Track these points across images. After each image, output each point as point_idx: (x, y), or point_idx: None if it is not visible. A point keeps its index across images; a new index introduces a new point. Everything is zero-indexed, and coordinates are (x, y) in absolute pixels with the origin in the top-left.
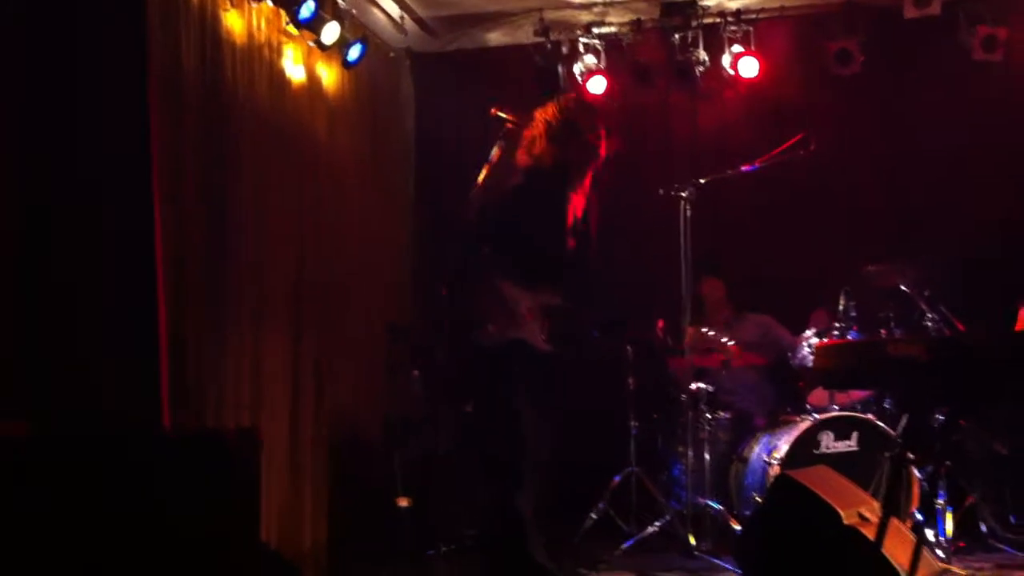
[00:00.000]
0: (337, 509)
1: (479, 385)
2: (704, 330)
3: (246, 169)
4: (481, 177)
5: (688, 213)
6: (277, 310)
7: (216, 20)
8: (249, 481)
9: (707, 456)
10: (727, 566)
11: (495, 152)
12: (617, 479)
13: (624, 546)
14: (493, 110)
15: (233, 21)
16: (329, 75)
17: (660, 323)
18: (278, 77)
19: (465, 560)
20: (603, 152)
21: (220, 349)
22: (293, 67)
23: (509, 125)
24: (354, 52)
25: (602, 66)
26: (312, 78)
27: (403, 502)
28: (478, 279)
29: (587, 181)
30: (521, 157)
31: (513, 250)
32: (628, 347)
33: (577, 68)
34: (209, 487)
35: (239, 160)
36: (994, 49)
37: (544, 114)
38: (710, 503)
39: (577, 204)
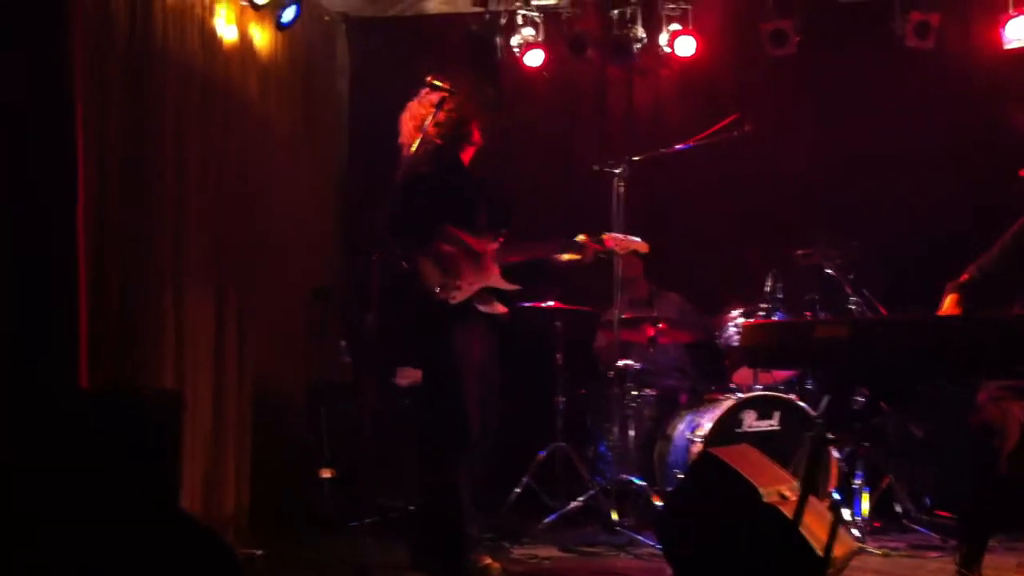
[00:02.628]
0: (261, 476)
1: (427, 353)
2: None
3: (172, 127)
4: (414, 146)
5: (621, 190)
6: (201, 273)
7: None
8: (169, 442)
9: (632, 433)
10: (648, 541)
11: (429, 120)
12: (542, 454)
13: (547, 520)
14: (428, 77)
15: None
16: (262, 36)
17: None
18: (209, 36)
19: (390, 532)
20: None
21: (142, 312)
22: (225, 26)
23: (444, 93)
24: (288, 14)
25: (540, 39)
26: (244, 38)
27: (326, 473)
28: (418, 244)
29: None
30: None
31: (451, 210)
32: (557, 323)
33: (515, 40)
34: (127, 446)
35: (166, 118)
36: (926, 36)
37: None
38: (634, 479)
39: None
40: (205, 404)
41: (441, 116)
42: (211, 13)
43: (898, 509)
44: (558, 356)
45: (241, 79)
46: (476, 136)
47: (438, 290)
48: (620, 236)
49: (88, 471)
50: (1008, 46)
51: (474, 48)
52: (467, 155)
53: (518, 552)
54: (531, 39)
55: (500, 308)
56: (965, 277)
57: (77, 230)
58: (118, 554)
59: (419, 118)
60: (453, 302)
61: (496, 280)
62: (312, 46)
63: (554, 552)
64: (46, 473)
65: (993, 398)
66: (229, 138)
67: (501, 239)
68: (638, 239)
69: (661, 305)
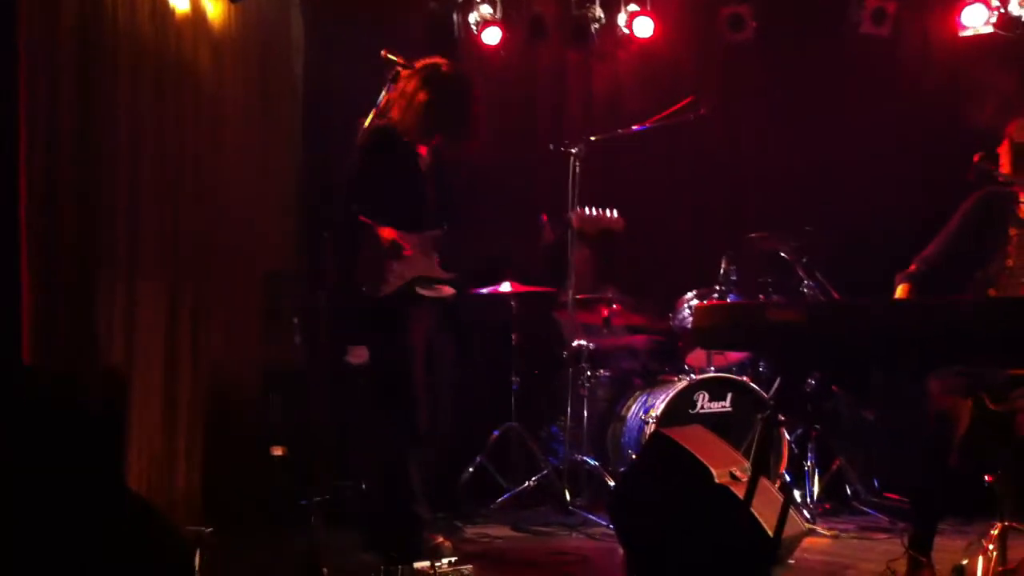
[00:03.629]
0: (213, 458)
1: (376, 337)
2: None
3: (123, 104)
4: (367, 122)
5: (577, 170)
6: (154, 256)
7: None
8: (110, 421)
9: (586, 413)
10: (601, 521)
11: (383, 97)
12: (496, 434)
13: (500, 500)
14: (384, 52)
15: None
16: (215, 8)
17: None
18: (160, 6)
19: (340, 510)
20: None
21: (92, 294)
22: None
23: (399, 68)
24: None
25: (498, 16)
26: (196, 10)
27: (277, 451)
28: (360, 229)
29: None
30: (384, 99)
31: (386, 191)
32: (512, 302)
33: (472, 17)
34: (67, 427)
35: (116, 93)
36: (883, 23)
37: (429, 72)
38: (587, 459)
39: (422, 148)
40: (155, 385)
41: (393, 93)
42: None
43: (848, 491)
44: (513, 337)
45: (193, 55)
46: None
47: (364, 288)
48: (591, 213)
49: (27, 447)
50: (964, 33)
51: (432, 26)
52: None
53: (471, 531)
54: (489, 17)
55: (446, 290)
56: (913, 268)
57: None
58: (59, 530)
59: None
60: (380, 295)
61: (433, 270)
62: (266, 20)
63: (507, 532)
64: None
65: (945, 387)
66: (185, 118)
67: (444, 228)
68: (612, 214)
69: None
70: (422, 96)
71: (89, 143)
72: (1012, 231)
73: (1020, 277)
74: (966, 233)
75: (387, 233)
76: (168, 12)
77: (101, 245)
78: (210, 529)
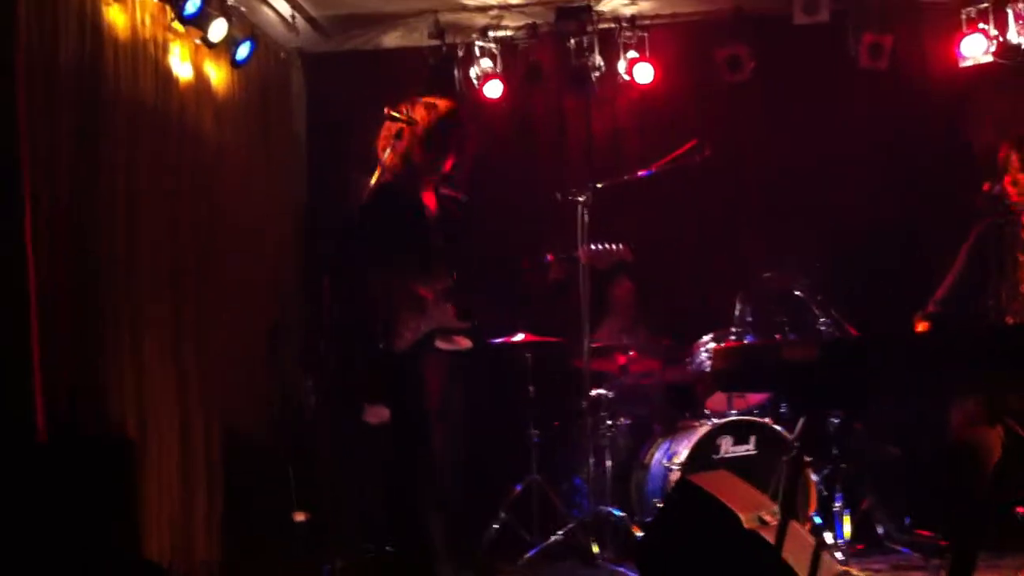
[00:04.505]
0: (232, 521)
1: (395, 395)
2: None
3: (125, 167)
4: (374, 178)
5: (586, 218)
6: (158, 313)
7: (97, 14)
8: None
9: (608, 463)
10: (629, 573)
11: (388, 155)
12: (518, 488)
13: (527, 556)
14: (386, 109)
15: (115, 16)
16: (217, 74)
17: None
18: (164, 75)
19: (364, 574)
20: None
21: (99, 360)
22: (180, 65)
23: (401, 125)
24: (243, 51)
25: (498, 70)
26: (200, 77)
27: (299, 516)
28: (367, 281)
29: (437, 177)
30: (389, 157)
31: (393, 246)
32: (528, 354)
33: (473, 72)
34: (81, 497)
35: (118, 158)
36: (880, 57)
37: (415, 114)
38: (612, 510)
39: (429, 199)
40: (171, 449)
41: (400, 149)
42: (165, 52)
43: (879, 530)
44: (530, 388)
45: (197, 119)
46: (446, 165)
47: (381, 344)
48: (599, 248)
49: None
50: (964, 64)
51: (432, 81)
52: (428, 189)
53: None
54: (489, 70)
55: (463, 342)
56: (930, 308)
57: (29, 283)
58: None
59: (381, 149)
60: (398, 351)
61: (448, 320)
62: (268, 83)
63: None
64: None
65: (968, 417)
66: (188, 180)
67: (454, 277)
68: (618, 247)
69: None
70: (420, 128)
71: (89, 203)
72: (1021, 257)
73: None
74: (973, 266)
75: (405, 286)
76: (172, 80)
77: (105, 307)
78: None
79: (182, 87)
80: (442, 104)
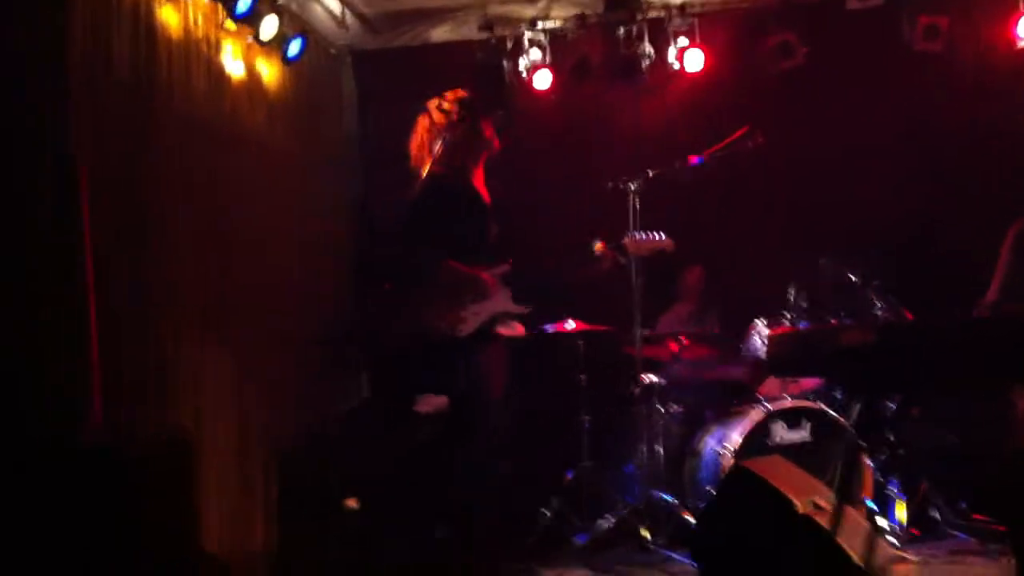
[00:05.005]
0: (289, 514)
1: (455, 381)
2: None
3: (180, 168)
4: (424, 171)
5: (636, 206)
6: (214, 316)
7: (151, 15)
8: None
9: (660, 449)
10: (682, 559)
11: (438, 147)
12: (570, 475)
13: (579, 542)
14: (429, 103)
15: (168, 16)
16: (269, 72)
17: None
18: (216, 74)
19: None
20: (496, 142)
21: (157, 359)
22: (232, 63)
23: (447, 118)
24: (294, 47)
25: (547, 61)
26: (251, 75)
27: (351, 503)
28: (424, 275)
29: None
30: (439, 148)
31: (454, 233)
32: (580, 342)
33: (522, 63)
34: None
35: (173, 160)
36: (935, 39)
37: (436, 114)
38: (664, 496)
39: (480, 185)
40: (229, 443)
41: (448, 140)
42: (217, 51)
43: (935, 516)
44: (582, 376)
45: (249, 118)
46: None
47: (444, 325)
48: (642, 237)
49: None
50: (1021, 44)
51: (481, 73)
52: (478, 175)
53: (549, 575)
54: (538, 61)
55: (520, 328)
56: (990, 298)
57: (88, 286)
58: None
59: (425, 143)
60: (461, 335)
61: (506, 304)
62: (318, 80)
63: (587, 574)
64: (58, 528)
65: None
66: (241, 179)
67: (510, 262)
68: (660, 236)
69: (710, 319)
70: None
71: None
72: None
73: None
74: (1018, 262)
75: (465, 268)
76: (224, 78)
77: (161, 312)
78: None
79: (235, 86)
80: (461, 92)
